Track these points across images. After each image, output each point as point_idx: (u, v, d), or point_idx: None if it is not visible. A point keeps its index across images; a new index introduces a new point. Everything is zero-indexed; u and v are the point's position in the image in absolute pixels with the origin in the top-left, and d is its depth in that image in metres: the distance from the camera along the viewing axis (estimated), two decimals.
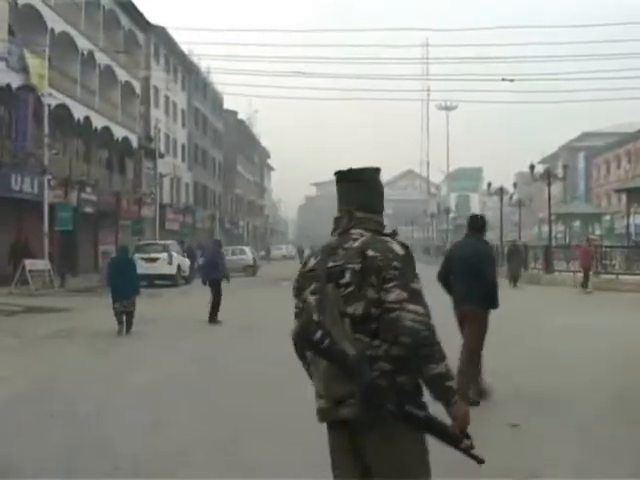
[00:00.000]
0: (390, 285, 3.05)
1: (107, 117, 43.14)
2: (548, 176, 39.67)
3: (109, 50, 43.92)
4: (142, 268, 32.18)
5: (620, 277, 27.25)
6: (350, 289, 3.11)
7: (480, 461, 3.09)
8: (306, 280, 3.32)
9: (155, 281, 32.87)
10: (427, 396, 3.10)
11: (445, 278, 8.60)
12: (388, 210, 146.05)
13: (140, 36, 50.93)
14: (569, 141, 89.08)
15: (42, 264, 29.95)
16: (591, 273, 26.57)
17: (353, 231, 3.27)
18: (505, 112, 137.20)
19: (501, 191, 51.71)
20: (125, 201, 45.89)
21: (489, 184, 56.24)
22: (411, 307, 3.02)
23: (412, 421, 3.02)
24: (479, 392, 8.15)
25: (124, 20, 47.52)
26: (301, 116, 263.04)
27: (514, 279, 29.23)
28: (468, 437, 3.06)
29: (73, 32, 38.44)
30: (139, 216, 47.18)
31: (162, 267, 33.21)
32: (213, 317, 17.43)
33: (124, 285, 15.93)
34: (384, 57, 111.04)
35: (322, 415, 3.22)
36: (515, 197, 55.22)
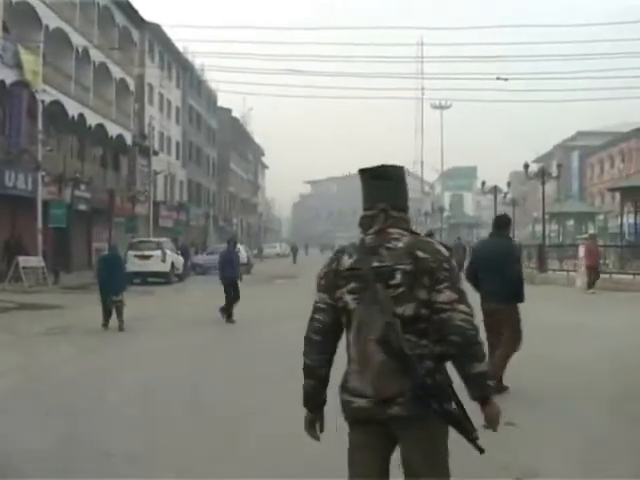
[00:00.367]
0: (442, 286, 3.14)
1: (101, 114, 43.03)
2: (542, 175, 39.66)
3: (104, 47, 43.78)
4: (136, 265, 32.28)
5: (614, 276, 27.26)
6: (400, 290, 3.14)
7: (482, 451, 3.19)
8: (342, 278, 3.28)
9: (148, 278, 32.92)
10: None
11: (473, 275, 8.98)
12: None
13: (135, 33, 50.79)
14: (563, 140, 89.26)
15: (35, 261, 29.89)
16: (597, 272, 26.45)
17: (391, 230, 3.28)
18: (499, 111, 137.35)
19: (495, 190, 51.79)
20: (119, 198, 45.78)
21: (483, 183, 56.31)
22: (461, 307, 3.14)
23: (449, 418, 3.12)
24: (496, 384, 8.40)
25: (119, 17, 47.40)
26: (295, 114, 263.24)
27: None
28: (475, 429, 3.17)
29: (68, 29, 38.34)
30: (133, 213, 47.07)
31: (156, 264, 33.15)
32: (229, 316, 17.12)
33: (113, 281, 16.39)
34: (379, 55, 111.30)
35: (359, 413, 3.21)
36: (509, 196, 55.31)
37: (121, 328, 15.80)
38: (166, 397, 8.72)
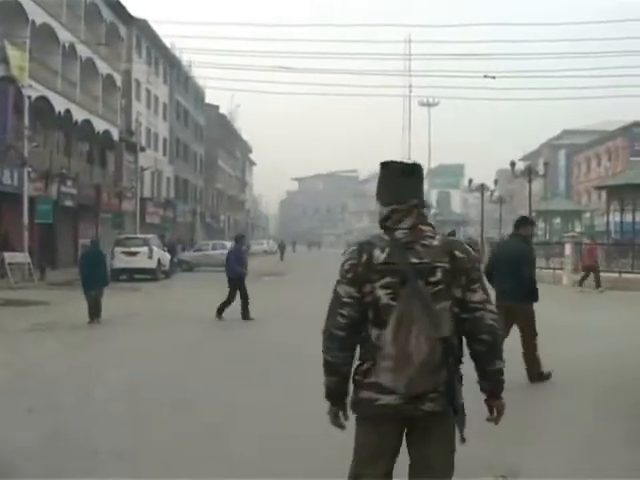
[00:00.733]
0: (475, 286, 3.27)
1: (88, 110, 42.88)
2: (529, 173, 39.85)
3: (90, 43, 43.57)
4: (122, 262, 32.24)
5: (600, 274, 27.35)
6: (439, 287, 3.18)
7: (464, 440, 3.27)
8: (375, 272, 3.21)
9: (135, 275, 32.83)
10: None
11: (490, 274, 9.32)
12: (369, 206, 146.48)
13: (122, 29, 50.58)
14: (550, 138, 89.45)
15: (21, 257, 29.79)
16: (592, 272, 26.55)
17: (424, 227, 3.30)
18: (487, 109, 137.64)
19: (482, 188, 51.94)
20: (106, 194, 45.68)
21: (470, 181, 56.45)
22: (490, 307, 3.29)
23: (461, 413, 3.25)
24: (539, 376, 9.16)
25: (106, 13, 47.18)
26: (282, 112, 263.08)
27: None
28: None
29: (54, 24, 38.15)
30: (119, 210, 46.98)
31: (142, 261, 33.01)
32: (246, 314, 16.78)
33: (94, 276, 16.63)
34: (367, 53, 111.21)
35: (385, 411, 3.18)
36: (496, 194, 55.46)
37: (98, 320, 16.20)
38: (153, 394, 8.69)
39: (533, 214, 41.40)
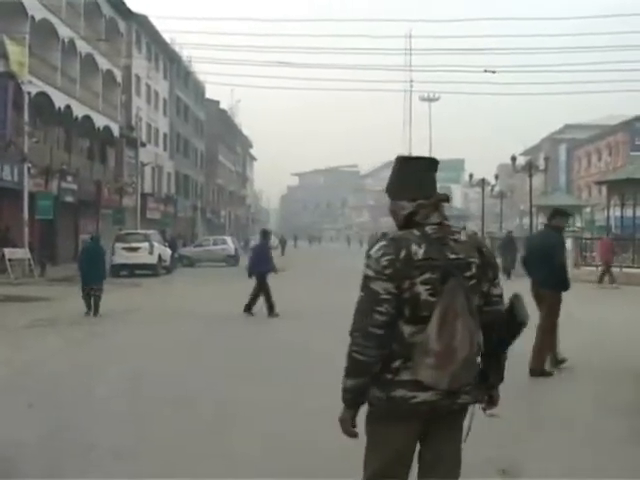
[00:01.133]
0: (497, 280, 3.39)
1: (88, 106, 42.84)
2: (530, 168, 39.78)
3: (90, 38, 43.57)
4: (123, 257, 32.27)
5: (601, 269, 27.34)
6: (473, 282, 3.23)
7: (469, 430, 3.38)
8: (415, 268, 3.13)
9: (136, 270, 32.86)
10: None
11: (525, 263, 10.14)
12: (370, 201, 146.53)
13: (122, 24, 50.52)
14: (551, 133, 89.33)
15: (22, 253, 29.78)
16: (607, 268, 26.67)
17: (448, 223, 3.32)
18: (488, 104, 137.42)
19: (483, 182, 51.87)
20: (106, 190, 45.63)
21: (471, 175, 56.32)
22: (503, 300, 3.42)
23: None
24: (556, 362, 9.64)
25: (105, 8, 47.12)
26: (283, 106, 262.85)
27: (507, 271, 28.58)
28: None
29: (54, 20, 38.12)
30: (120, 205, 46.96)
31: (143, 257, 33.05)
32: (248, 308, 16.50)
33: (93, 271, 16.97)
34: (368, 48, 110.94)
35: (420, 408, 3.14)
36: (497, 189, 55.40)
37: (96, 314, 16.57)
38: (154, 391, 8.67)
39: (534, 209, 41.38)
